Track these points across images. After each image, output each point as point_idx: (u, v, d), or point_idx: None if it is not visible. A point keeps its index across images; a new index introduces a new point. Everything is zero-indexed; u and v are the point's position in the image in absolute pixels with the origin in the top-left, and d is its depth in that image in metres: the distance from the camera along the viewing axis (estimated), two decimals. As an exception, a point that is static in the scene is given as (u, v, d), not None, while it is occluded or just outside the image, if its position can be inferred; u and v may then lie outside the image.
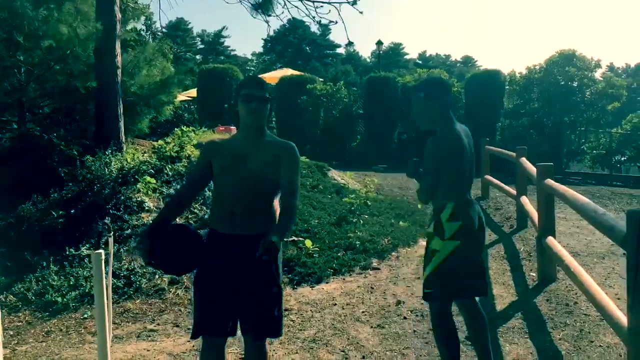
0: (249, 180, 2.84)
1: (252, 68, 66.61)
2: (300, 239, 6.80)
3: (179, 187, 7.04)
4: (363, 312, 4.93)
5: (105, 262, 3.90)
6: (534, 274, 5.65)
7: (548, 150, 14.59)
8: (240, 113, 2.91)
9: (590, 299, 3.87)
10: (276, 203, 2.92)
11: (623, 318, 3.16)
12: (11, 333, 4.93)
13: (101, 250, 3.53)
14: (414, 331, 4.42)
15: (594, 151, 16.17)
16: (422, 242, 7.31)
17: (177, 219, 3.52)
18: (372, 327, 4.56)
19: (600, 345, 3.96)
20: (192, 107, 19.06)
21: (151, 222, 3.36)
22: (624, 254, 6.21)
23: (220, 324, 2.89)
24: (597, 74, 16.26)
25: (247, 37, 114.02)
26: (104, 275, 3.53)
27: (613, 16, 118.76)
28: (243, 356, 3.23)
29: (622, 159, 15.89)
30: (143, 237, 2.93)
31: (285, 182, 2.86)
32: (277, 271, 2.91)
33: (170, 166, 7.80)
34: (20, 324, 5.12)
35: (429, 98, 3.25)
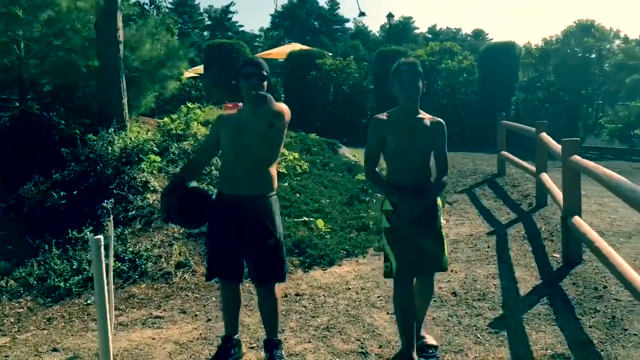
0: (247, 148, 3.31)
1: (260, 44, 65.86)
2: (312, 219, 6.55)
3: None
4: (378, 297, 4.68)
5: (105, 247, 3.68)
6: (558, 256, 5.37)
7: (565, 125, 14.19)
8: (242, 89, 3.36)
9: (625, 283, 3.60)
10: (273, 168, 3.43)
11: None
12: (12, 320, 4.73)
13: (100, 236, 3.29)
14: (433, 318, 4.17)
15: (612, 125, 15.71)
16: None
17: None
18: (388, 313, 4.31)
19: (635, 334, 3.68)
20: (199, 83, 18.73)
21: (168, 184, 3.80)
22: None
23: (228, 270, 3.48)
24: (615, 45, 15.68)
25: (254, 13, 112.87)
26: (103, 262, 3.29)
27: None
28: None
29: (641, 133, 15.42)
30: (162, 196, 3.51)
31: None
32: (274, 225, 3.39)
33: (176, 144, 7.54)
34: (22, 310, 4.92)
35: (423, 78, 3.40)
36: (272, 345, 3.55)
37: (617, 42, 15.79)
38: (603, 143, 16.17)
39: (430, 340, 3.63)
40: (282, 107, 3.32)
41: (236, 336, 3.70)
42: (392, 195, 3.38)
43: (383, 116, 3.44)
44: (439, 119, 3.45)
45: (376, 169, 3.49)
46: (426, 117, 3.43)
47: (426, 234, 3.36)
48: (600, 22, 15.24)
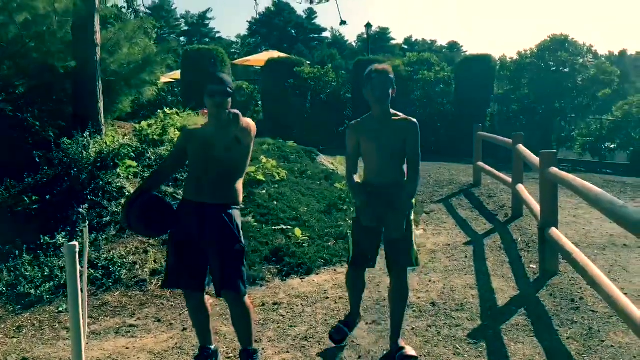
0: (216, 163, 3.37)
1: (237, 51, 65.69)
2: (289, 227, 6.50)
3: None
4: (357, 306, 4.65)
5: (80, 254, 3.59)
6: (534, 266, 5.42)
7: (538, 137, 14.40)
8: (207, 106, 3.42)
9: (602, 294, 3.63)
10: (239, 182, 3.49)
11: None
12: (-21, 328, 4.58)
13: (75, 242, 3.20)
14: (412, 328, 4.15)
15: (584, 138, 15.99)
16: (415, 231, 7.04)
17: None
18: (367, 323, 4.29)
19: (612, 345, 3.72)
20: (176, 89, 18.56)
21: (131, 193, 3.84)
22: (624, 245, 6.03)
23: (189, 279, 3.46)
24: (588, 60, 16.02)
25: (232, 20, 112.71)
26: (78, 269, 3.20)
27: (598, 3, 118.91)
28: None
29: (612, 146, 15.71)
30: (124, 204, 3.55)
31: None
32: (239, 232, 3.41)
33: (152, 150, 7.43)
34: (-10, 318, 4.77)
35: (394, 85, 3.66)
36: (247, 355, 3.49)
37: (590, 56, 16.14)
38: (575, 156, 16.44)
39: (409, 351, 3.61)
40: (249, 122, 3.37)
41: (213, 346, 3.65)
42: (357, 201, 3.77)
43: (355, 122, 3.79)
44: (412, 119, 3.65)
45: (355, 174, 3.79)
46: (399, 117, 3.67)
47: (391, 230, 3.59)
48: (574, 37, 15.54)
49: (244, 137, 3.33)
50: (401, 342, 3.70)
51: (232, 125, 3.09)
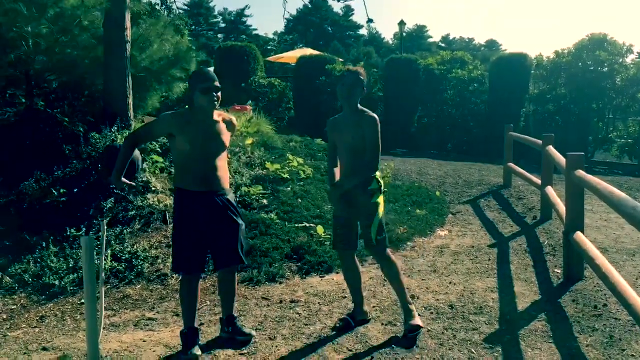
0: (215, 152, 3.76)
1: (274, 48, 65.96)
2: (312, 225, 6.50)
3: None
4: (374, 307, 4.61)
5: (99, 248, 3.66)
6: (559, 271, 5.29)
7: (574, 138, 14.03)
8: (199, 100, 3.68)
9: (623, 302, 3.52)
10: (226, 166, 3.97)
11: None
12: (4, 317, 4.71)
13: (91, 235, 3.27)
14: (428, 330, 4.10)
15: (622, 140, 15.50)
16: (440, 232, 6.96)
17: None
18: (382, 324, 4.25)
19: (632, 355, 3.60)
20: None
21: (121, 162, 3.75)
22: (658, 252, 5.82)
23: (200, 264, 3.87)
24: (628, 60, 15.52)
25: (269, 17, 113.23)
26: (98, 261, 3.26)
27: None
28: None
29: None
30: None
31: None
32: (237, 211, 3.90)
33: (179, 145, 7.51)
34: (15, 307, 4.89)
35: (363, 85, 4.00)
36: (233, 318, 4.04)
37: (631, 57, 15.64)
38: (612, 158, 15.97)
39: (416, 320, 4.02)
40: (230, 116, 4.00)
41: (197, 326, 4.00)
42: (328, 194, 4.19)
43: (332, 118, 4.14)
44: (371, 113, 3.92)
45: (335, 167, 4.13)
46: (364, 112, 3.92)
47: (356, 215, 4.01)
48: (613, 36, 15.07)
49: (232, 129, 3.98)
50: (415, 320, 4.01)
51: None
